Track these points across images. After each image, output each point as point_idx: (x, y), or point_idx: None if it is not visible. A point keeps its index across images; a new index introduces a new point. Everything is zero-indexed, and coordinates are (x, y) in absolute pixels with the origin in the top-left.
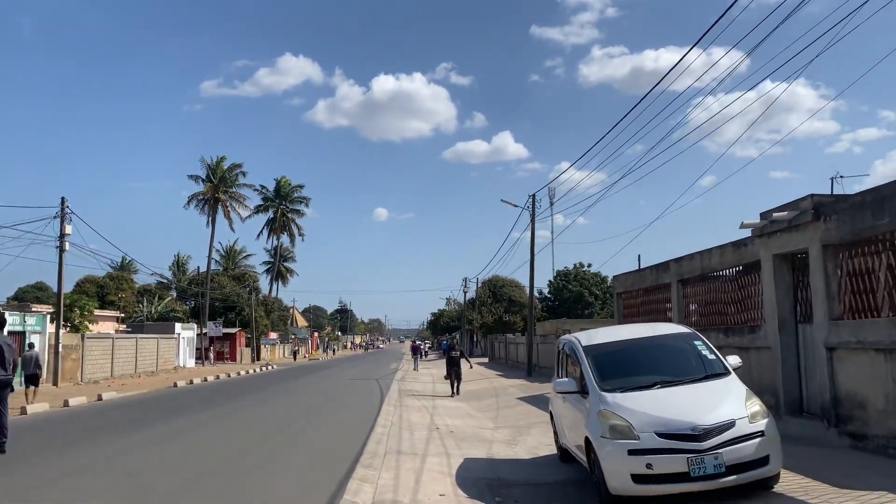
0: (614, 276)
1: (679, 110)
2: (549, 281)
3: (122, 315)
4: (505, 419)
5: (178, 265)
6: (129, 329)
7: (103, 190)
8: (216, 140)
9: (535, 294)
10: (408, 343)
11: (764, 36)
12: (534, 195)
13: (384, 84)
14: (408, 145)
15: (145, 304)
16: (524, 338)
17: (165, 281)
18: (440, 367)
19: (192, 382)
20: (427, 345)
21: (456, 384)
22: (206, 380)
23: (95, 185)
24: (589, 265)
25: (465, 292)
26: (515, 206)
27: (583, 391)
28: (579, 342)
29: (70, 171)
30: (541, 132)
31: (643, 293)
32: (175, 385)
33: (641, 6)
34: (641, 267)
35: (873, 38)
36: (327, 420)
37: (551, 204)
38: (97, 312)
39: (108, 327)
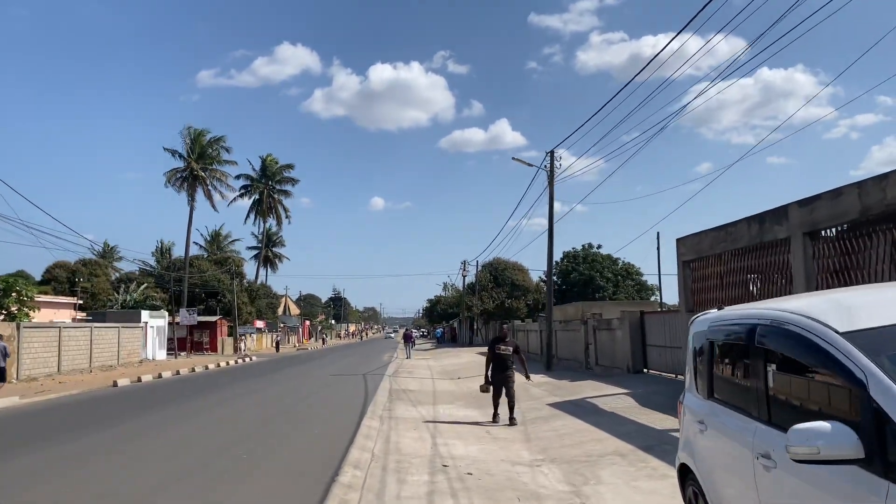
0: (679, 239)
1: (677, 98)
2: (556, 263)
3: (80, 302)
4: (545, 443)
5: (162, 252)
6: (91, 318)
7: (96, 180)
8: (212, 130)
9: (540, 277)
10: (402, 332)
11: (761, 20)
12: (552, 151)
13: (381, 73)
14: (404, 134)
15: (121, 291)
16: (536, 324)
17: (148, 268)
18: (436, 356)
19: (139, 380)
20: (421, 332)
21: (508, 405)
22: (159, 376)
23: (89, 175)
24: (599, 246)
25: (464, 276)
26: (530, 165)
27: (887, 459)
28: (827, 325)
29: (62, 161)
30: (538, 120)
31: (730, 258)
32: (115, 384)
33: None
34: (726, 223)
35: (872, 20)
36: (271, 454)
37: (551, 182)
38: (48, 299)
39: (64, 315)
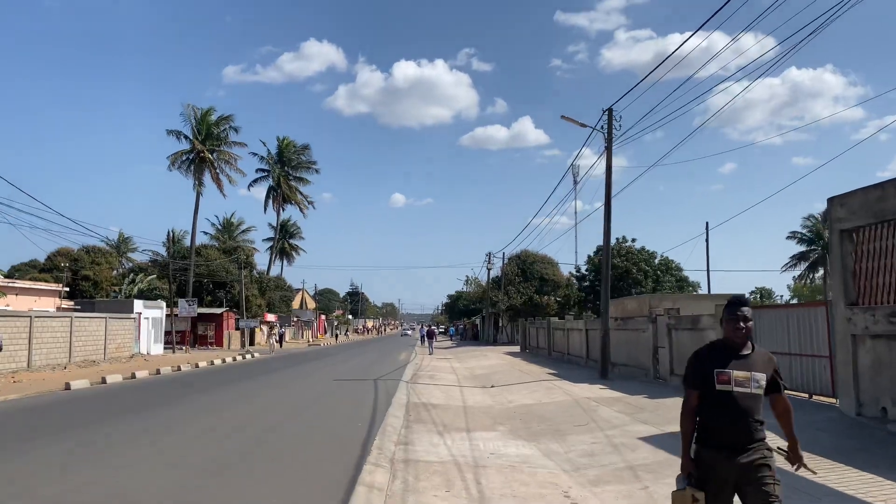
0: (835, 198)
1: (703, 96)
2: (589, 257)
3: (67, 289)
4: None
5: (172, 241)
6: (78, 307)
7: (121, 172)
8: (217, 108)
9: (572, 272)
10: (418, 329)
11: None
12: (610, 109)
13: (405, 70)
14: (427, 131)
15: (127, 282)
16: (579, 322)
17: (159, 258)
18: (459, 356)
19: (103, 382)
20: (440, 329)
21: None
22: (132, 376)
23: (113, 167)
24: (633, 240)
25: (488, 269)
26: (584, 125)
27: None
28: None
29: (88, 152)
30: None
31: None
32: (67, 387)
33: None
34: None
35: None
36: None
37: (575, 182)
38: (28, 285)
39: (48, 304)
